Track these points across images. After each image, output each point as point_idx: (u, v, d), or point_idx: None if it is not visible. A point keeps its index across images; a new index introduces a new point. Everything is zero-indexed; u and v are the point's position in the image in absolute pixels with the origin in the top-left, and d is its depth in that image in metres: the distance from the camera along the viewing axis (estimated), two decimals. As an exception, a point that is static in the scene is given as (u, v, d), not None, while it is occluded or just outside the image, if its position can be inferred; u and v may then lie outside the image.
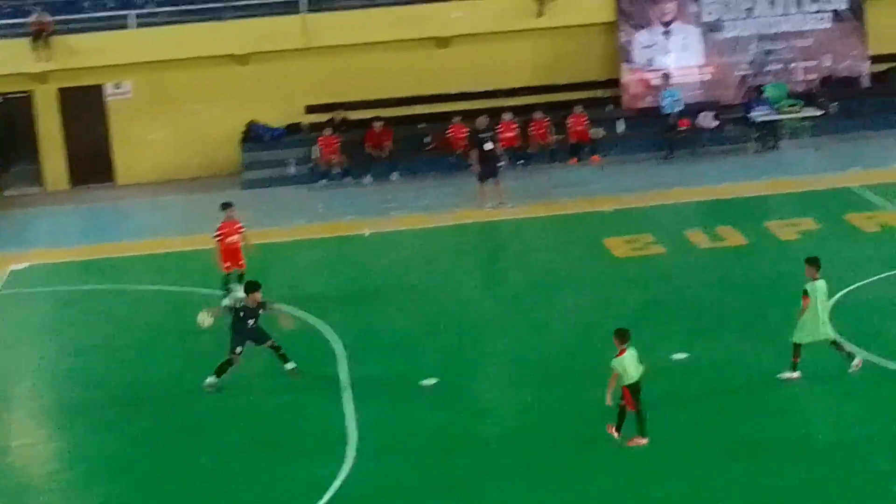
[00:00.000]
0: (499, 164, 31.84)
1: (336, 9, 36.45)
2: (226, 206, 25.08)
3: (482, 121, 31.95)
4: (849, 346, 19.62)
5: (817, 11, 36.96)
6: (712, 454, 17.37)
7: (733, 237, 27.12)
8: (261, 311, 20.76)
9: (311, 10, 36.00)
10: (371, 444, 18.37)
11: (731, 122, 36.11)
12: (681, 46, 36.88)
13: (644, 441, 17.55)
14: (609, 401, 17.48)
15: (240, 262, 24.45)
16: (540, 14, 36.33)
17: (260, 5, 36.42)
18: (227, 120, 36.06)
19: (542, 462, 17.57)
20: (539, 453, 17.84)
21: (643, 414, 17.56)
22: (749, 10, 36.81)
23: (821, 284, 19.32)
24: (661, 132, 35.54)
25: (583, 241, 27.92)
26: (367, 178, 34.86)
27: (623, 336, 17.62)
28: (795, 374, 19.35)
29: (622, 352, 17.51)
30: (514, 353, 21.72)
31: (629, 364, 17.48)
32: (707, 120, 36.05)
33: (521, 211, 30.58)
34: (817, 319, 19.23)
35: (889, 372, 19.52)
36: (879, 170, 31.80)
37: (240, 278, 23.76)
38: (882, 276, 23.74)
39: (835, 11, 36.96)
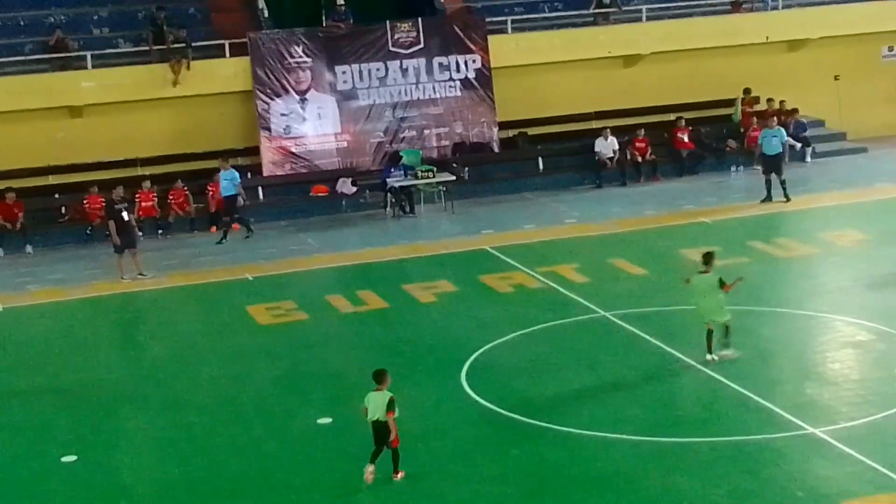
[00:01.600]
0: (137, 235, 31.37)
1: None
2: None
3: (118, 191, 31.39)
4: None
5: (448, 80, 38.21)
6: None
7: (374, 301, 27.49)
8: None
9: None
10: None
11: (368, 188, 36.82)
12: (317, 115, 37.44)
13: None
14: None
15: None
16: (175, 83, 36.17)
17: None
18: None
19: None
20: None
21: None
22: (382, 78, 37.73)
23: (700, 279, 21.77)
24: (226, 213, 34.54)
25: (225, 310, 27.72)
26: (-1, 252, 33.82)
27: (379, 377, 17.91)
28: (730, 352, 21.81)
29: (378, 390, 17.78)
30: (154, 427, 21.24)
31: (371, 401, 17.71)
32: (346, 186, 36.69)
33: (162, 281, 30.16)
34: (698, 307, 21.92)
35: (523, 425, 20.13)
36: (511, 232, 32.96)
37: None
38: (516, 334, 24.55)
39: (464, 80, 38.30)
